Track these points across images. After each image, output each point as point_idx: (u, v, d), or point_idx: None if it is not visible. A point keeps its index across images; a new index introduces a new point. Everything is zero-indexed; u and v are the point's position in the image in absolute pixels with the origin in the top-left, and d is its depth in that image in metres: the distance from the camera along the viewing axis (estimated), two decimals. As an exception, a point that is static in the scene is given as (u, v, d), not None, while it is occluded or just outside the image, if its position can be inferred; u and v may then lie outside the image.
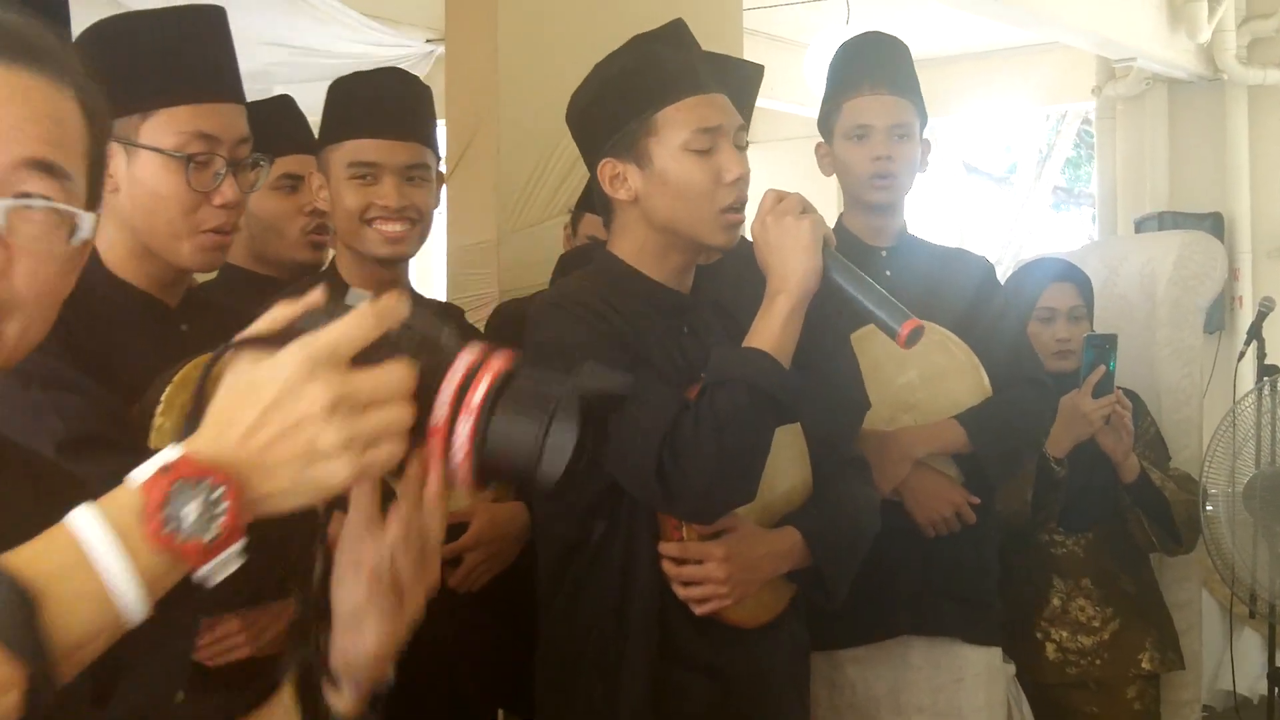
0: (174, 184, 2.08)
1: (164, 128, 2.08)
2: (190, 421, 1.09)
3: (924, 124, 3.26)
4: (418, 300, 2.96)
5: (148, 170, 2.08)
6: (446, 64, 4.39)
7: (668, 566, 2.38)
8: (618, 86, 2.45)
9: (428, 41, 7.15)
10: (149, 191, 2.09)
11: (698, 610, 2.38)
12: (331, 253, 3.14)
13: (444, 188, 3.99)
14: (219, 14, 2.18)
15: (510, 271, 4.06)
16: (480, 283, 4.12)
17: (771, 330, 2.29)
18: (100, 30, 2.12)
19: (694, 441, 2.21)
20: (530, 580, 2.93)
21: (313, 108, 3.01)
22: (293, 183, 3.16)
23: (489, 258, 4.12)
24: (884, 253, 3.20)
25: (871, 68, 3.22)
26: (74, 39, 2.11)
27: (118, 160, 2.09)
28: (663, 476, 2.22)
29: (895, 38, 3.30)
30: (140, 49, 2.09)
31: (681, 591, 2.38)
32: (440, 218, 4.14)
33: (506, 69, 4.12)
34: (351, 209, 2.69)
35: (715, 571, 2.35)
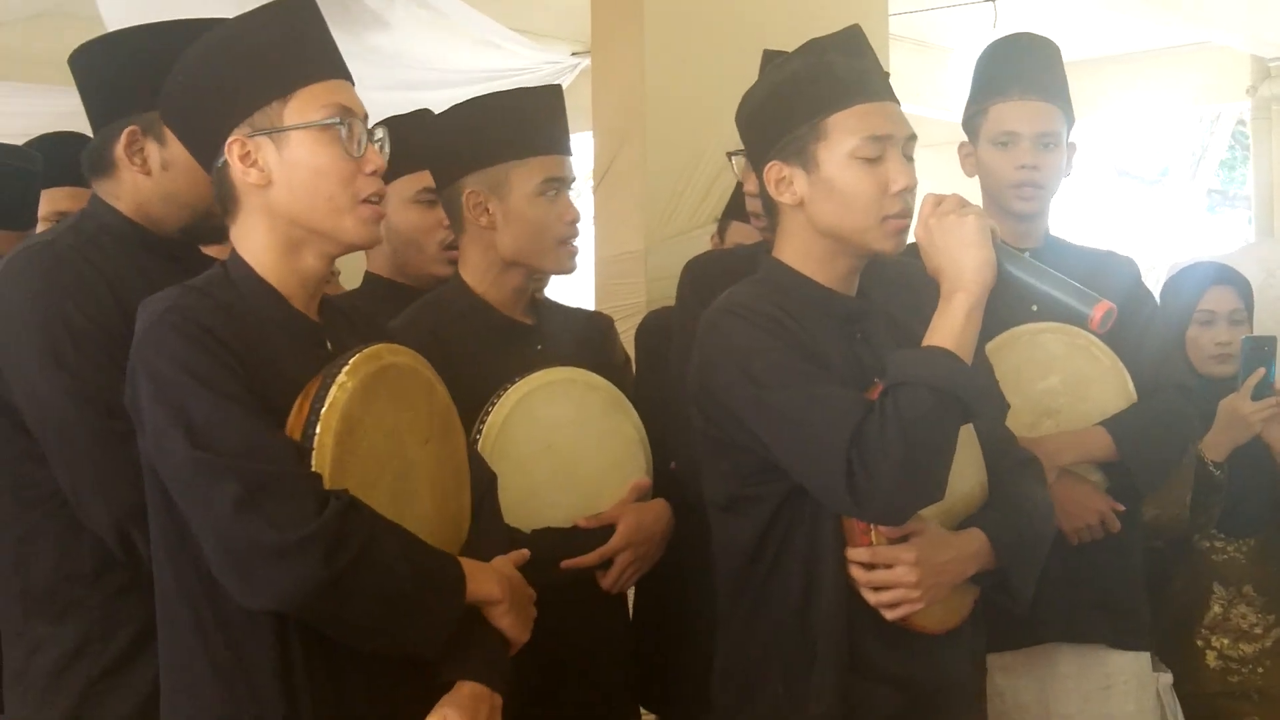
0: (332, 154, 2.13)
1: (307, 105, 2.13)
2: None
3: (1070, 128, 3.21)
4: (556, 309, 3.01)
5: (303, 149, 2.12)
6: (593, 76, 4.42)
7: (856, 572, 2.36)
8: (789, 90, 2.44)
9: (572, 54, 7.21)
10: (310, 169, 2.12)
11: (888, 615, 2.35)
12: None
13: (592, 198, 4.06)
14: (312, 2, 2.24)
15: (658, 282, 4.09)
16: (628, 293, 4.16)
17: (952, 328, 2.28)
18: (216, 39, 2.18)
19: (881, 443, 2.18)
20: (672, 582, 2.96)
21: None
22: (432, 197, 3.17)
23: (636, 268, 4.16)
24: (1027, 254, 3.15)
25: (1021, 71, 3.18)
26: (190, 57, 2.19)
27: (266, 152, 2.13)
28: (851, 479, 2.20)
29: (1046, 39, 3.25)
30: (259, 43, 2.15)
31: (872, 597, 2.35)
32: (588, 228, 4.21)
33: (653, 81, 4.15)
34: (545, 225, 2.78)
35: (906, 575, 2.32)
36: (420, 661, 2.13)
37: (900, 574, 2.33)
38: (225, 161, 2.14)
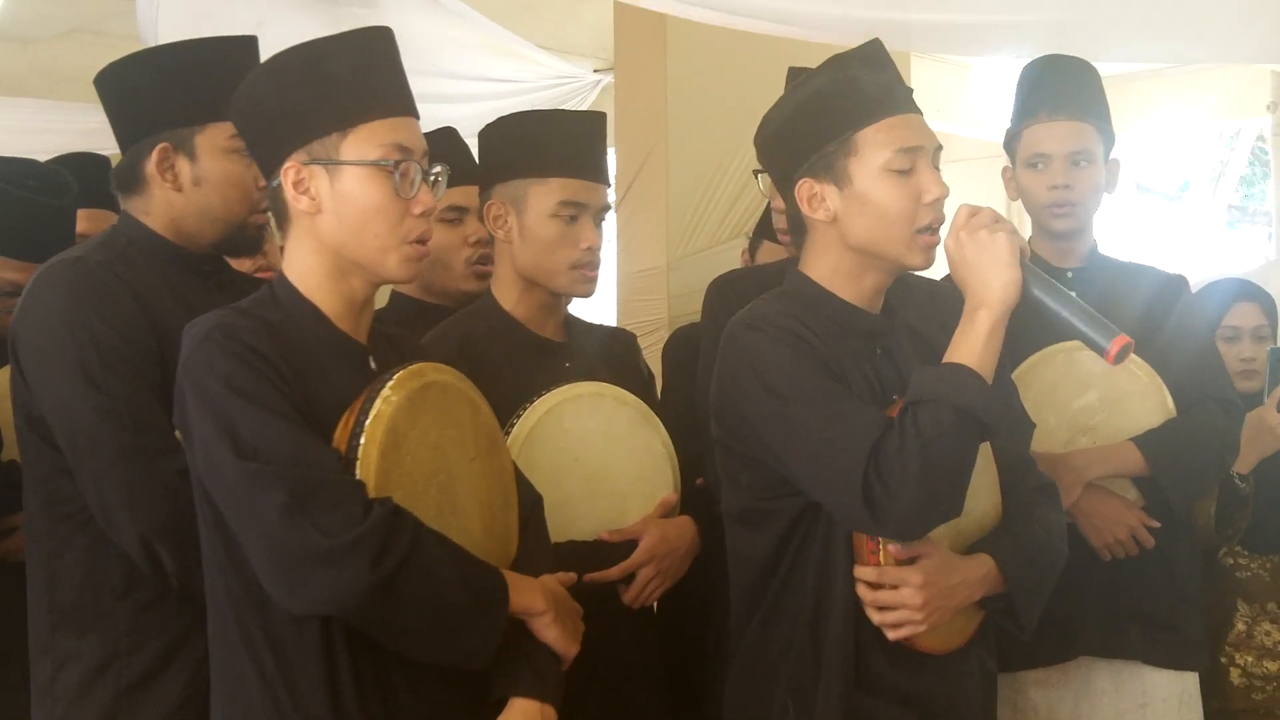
0: (383, 194, 2.14)
1: (365, 142, 2.14)
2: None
3: (1109, 146, 3.20)
4: (582, 326, 3.02)
5: (355, 184, 2.13)
6: (616, 94, 4.45)
7: (862, 591, 2.36)
8: (816, 107, 2.43)
9: (595, 71, 7.23)
10: (360, 206, 2.14)
11: (890, 635, 2.35)
12: None
13: (614, 215, 4.05)
14: (390, 34, 2.24)
15: (680, 298, 4.11)
16: (650, 309, 4.18)
17: (973, 346, 2.28)
18: (284, 63, 2.19)
19: (900, 459, 2.19)
20: (698, 599, 2.95)
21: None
22: (457, 215, 3.20)
23: (659, 284, 4.18)
24: (1070, 274, 3.16)
25: (1050, 92, 3.18)
26: (264, 71, 2.20)
27: (319, 181, 2.14)
28: (869, 495, 2.21)
29: (1078, 59, 3.25)
30: (329, 73, 2.15)
31: (876, 617, 2.35)
32: (611, 245, 4.22)
33: (675, 98, 4.17)
34: (556, 247, 2.78)
35: (911, 598, 2.32)
36: (469, 676, 2.15)
37: (905, 595, 2.33)
38: (279, 183, 2.17)
